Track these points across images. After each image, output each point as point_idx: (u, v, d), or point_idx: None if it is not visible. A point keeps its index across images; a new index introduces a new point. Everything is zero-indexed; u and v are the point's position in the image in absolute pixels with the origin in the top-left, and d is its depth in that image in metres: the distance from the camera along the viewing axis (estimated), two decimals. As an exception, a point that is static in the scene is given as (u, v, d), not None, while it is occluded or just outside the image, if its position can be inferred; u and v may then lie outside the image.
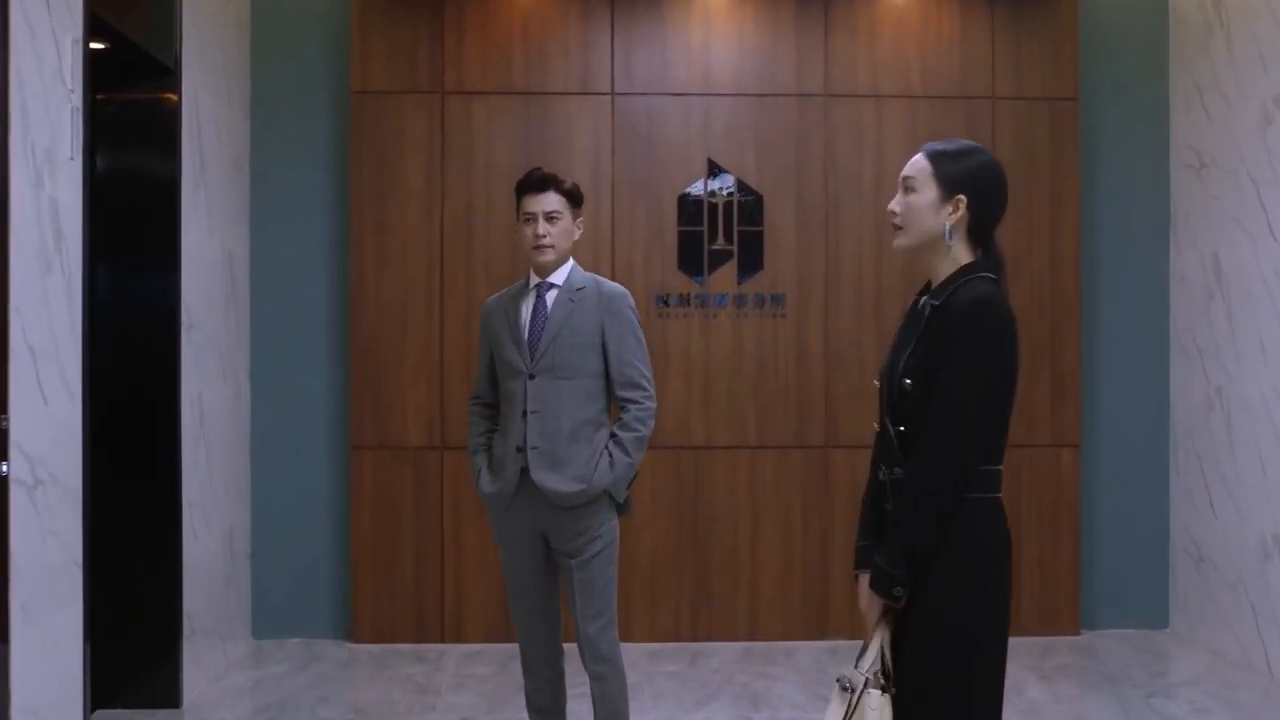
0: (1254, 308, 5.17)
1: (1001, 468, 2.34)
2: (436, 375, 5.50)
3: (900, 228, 2.44)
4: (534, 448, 3.41)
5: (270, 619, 5.56)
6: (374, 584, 5.48)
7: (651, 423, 3.44)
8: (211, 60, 5.04)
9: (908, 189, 2.42)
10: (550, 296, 3.49)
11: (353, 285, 5.50)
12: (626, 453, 3.39)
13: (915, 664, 2.30)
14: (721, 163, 5.59)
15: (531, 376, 3.44)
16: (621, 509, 3.46)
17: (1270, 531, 5.00)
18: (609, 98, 5.57)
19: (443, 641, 5.48)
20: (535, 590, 3.50)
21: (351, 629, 5.51)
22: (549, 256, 3.47)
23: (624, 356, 3.44)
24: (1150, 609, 5.81)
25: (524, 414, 3.43)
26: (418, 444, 5.50)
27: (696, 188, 5.58)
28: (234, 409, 5.32)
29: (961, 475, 2.26)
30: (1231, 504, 5.31)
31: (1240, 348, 5.27)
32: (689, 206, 5.58)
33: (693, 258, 5.59)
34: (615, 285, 3.54)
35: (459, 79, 5.53)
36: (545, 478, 3.39)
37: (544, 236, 3.45)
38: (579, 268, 3.56)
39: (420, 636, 5.48)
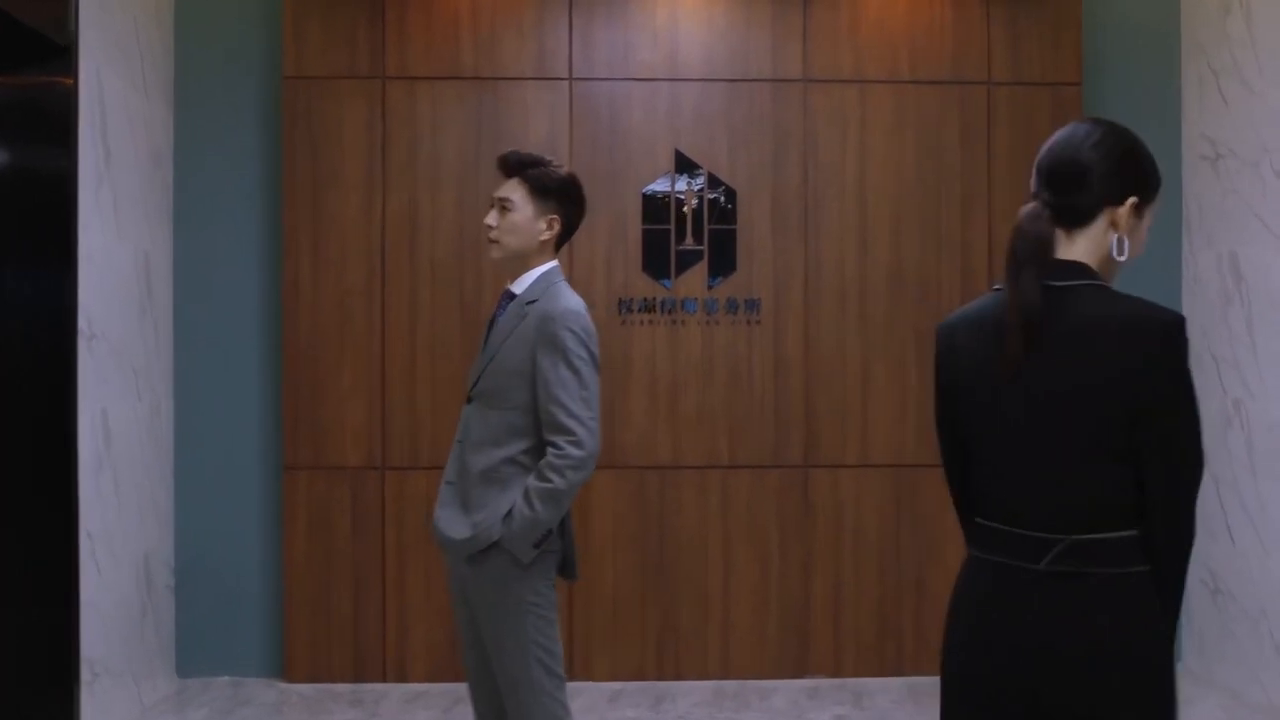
0: (1278, 314, 4.68)
1: (986, 524, 2.03)
2: (377, 389, 5.02)
3: None
4: (449, 482, 2.93)
5: (196, 656, 5.07)
6: (308, 618, 4.99)
7: (574, 474, 2.76)
8: (121, 40, 4.55)
9: None
10: (507, 308, 2.95)
11: (285, 289, 5.01)
12: (529, 505, 2.76)
13: None
14: (690, 155, 5.10)
15: (469, 399, 2.95)
16: (565, 573, 2.90)
17: (1296, 563, 4.52)
18: (566, 83, 5.08)
19: (384, 681, 4.99)
20: (470, 649, 2.97)
21: (284, 667, 5.02)
22: (494, 253, 2.97)
23: (550, 390, 2.80)
24: (1161, 643, 5.31)
25: (457, 441, 2.95)
26: (356, 464, 5.01)
27: (662, 182, 5.09)
28: (151, 427, 4.83)
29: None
30: (1252, 530, 4.83)
31: (1262, 358, 4.78)
32: (654, 202, 5.09)
33: (658, 259, 5.09)
34: (566, 301, 2.88)
35: (402, 63, 5.05)
36: (442, 518, 2.89)
37: (491, 228, 2.96)
38: (550, 275, 2.96)
39: (359, 675, 4.99)
